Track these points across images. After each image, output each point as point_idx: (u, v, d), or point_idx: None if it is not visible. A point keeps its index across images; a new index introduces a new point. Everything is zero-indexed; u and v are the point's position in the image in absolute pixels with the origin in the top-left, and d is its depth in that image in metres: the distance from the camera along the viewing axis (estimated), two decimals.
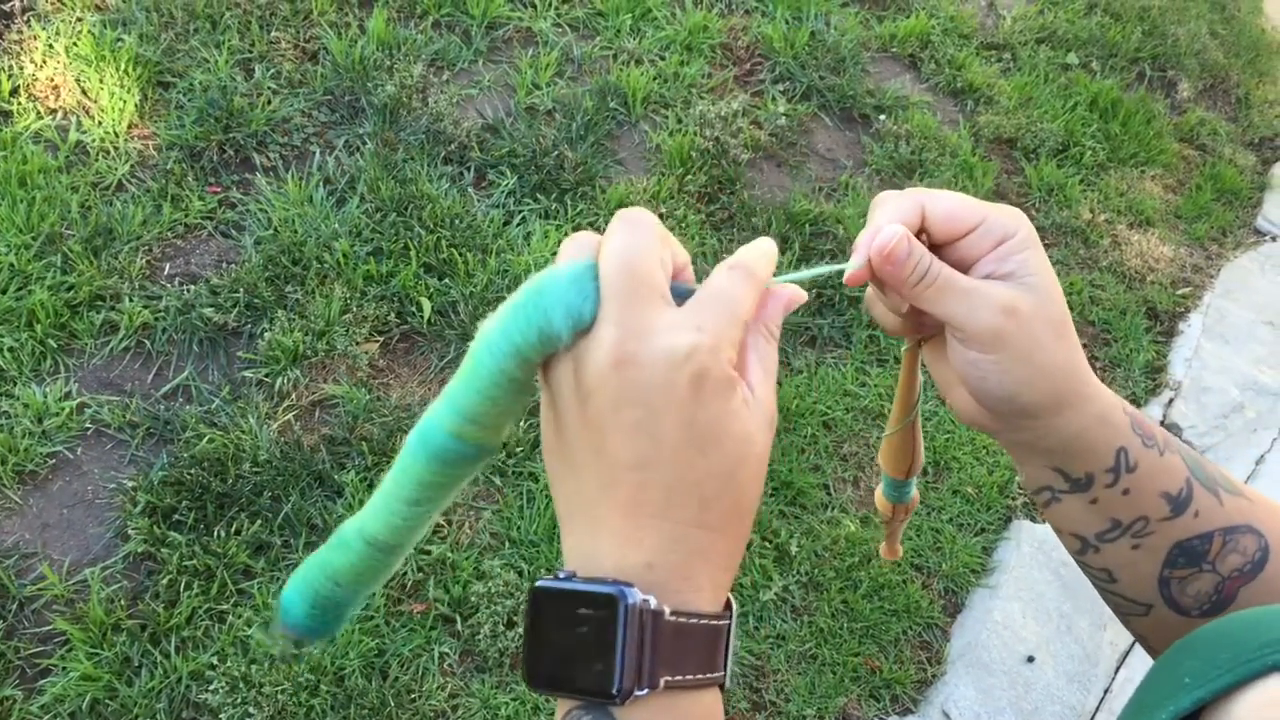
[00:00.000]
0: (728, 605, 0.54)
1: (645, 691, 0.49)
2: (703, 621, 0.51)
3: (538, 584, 0.52)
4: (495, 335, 0.52)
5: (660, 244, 0.53)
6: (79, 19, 3.02)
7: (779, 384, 2.85)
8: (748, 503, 0.53)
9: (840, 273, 0.64)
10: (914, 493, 0.87)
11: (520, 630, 2.20)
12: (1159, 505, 0.63)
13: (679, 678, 0.50)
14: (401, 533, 0.58)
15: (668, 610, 0.49)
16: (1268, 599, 0.62)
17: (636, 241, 0.52)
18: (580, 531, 0.53)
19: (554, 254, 2.81)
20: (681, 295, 0.53)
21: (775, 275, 0.61)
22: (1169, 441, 0.64)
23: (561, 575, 0.52)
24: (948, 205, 0.62)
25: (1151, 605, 0.65)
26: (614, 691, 0.48)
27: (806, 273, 0.66)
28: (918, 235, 0.62)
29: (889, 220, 0.61)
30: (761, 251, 0.57)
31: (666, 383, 0.49)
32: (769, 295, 0.57)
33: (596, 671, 0.49)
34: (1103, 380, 2.81)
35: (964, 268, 0.61)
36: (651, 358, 0.49)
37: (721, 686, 0.54)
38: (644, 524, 0.51)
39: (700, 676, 0.51)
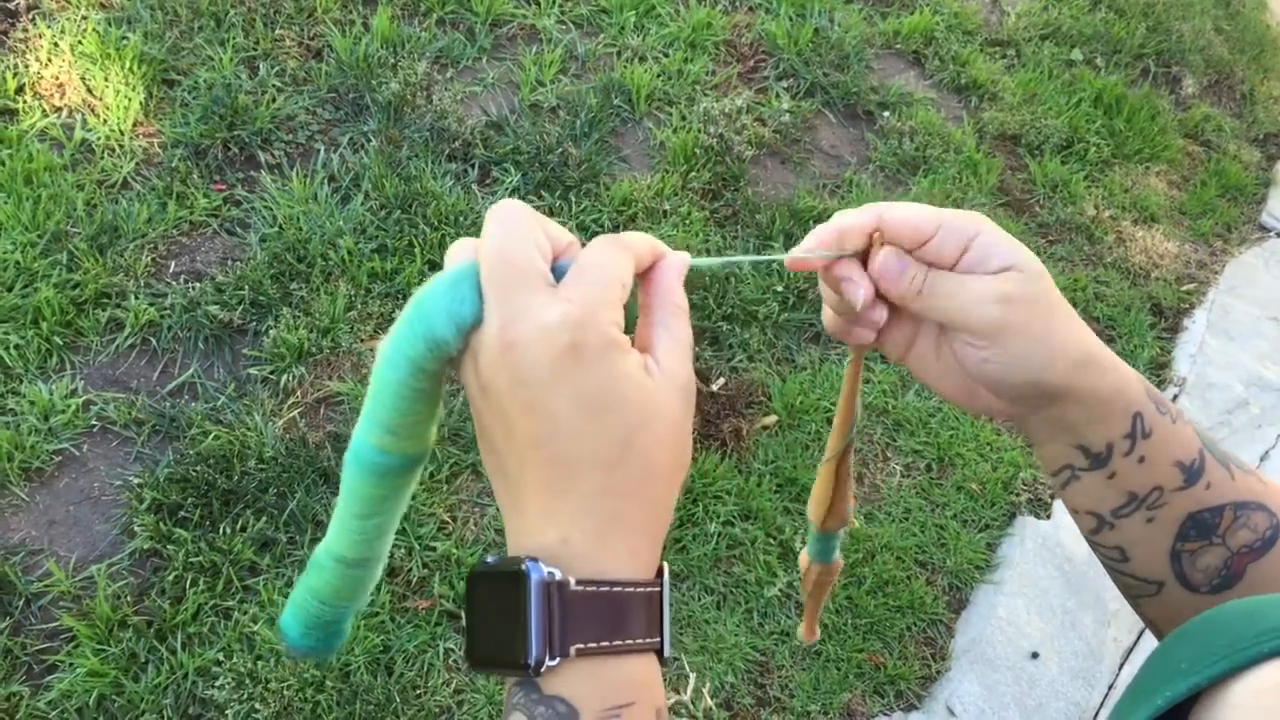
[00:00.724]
0: (659, 573, 0.55)
1: (557, 661, 0.50)
2: (615, 589, 0.51)
3: (470, 570, 0.55)
4: (390, 351, 0.54)
5: (532, 231, 0.54)
6: (84, 17, 3.03)
7: (782, 380, 2.85)
8: (659, 465, 0.53)
9: (773, 261, 0.67)
10: (838, 555, 0.85)
11: None
12: (1173, 474, 0.64)
13: (592, 645, 0.51)
14: (363, 546, 0.61)
15: (573, 580, 0.50)
16: (1277, 578, 0.63)
17: (508, 233, 0.53)
18: (511, 515, 0.55)
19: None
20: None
21: (717, 259, 0.67)
22: (1181, 413, 0.65)
23: (489, 560, 0.54)
24: (903, 213, 0.64)
25: (1162, 583, 0.66)
26: (528, 663, 0.50)
27: (743, 258, 0.70)
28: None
29: (846, 218, 0.65)
30: (643, 237, 0.58)
31: (547, 357, 0.50)
32: (660, 268, 0.58)
33: (515, 646, 0.51)
34: None
35: None
36: (529, 336, 0.51)
37: (659, 654, 0.54)
38: (557, 498, 0.52)
39: (620, 643, 0.52)
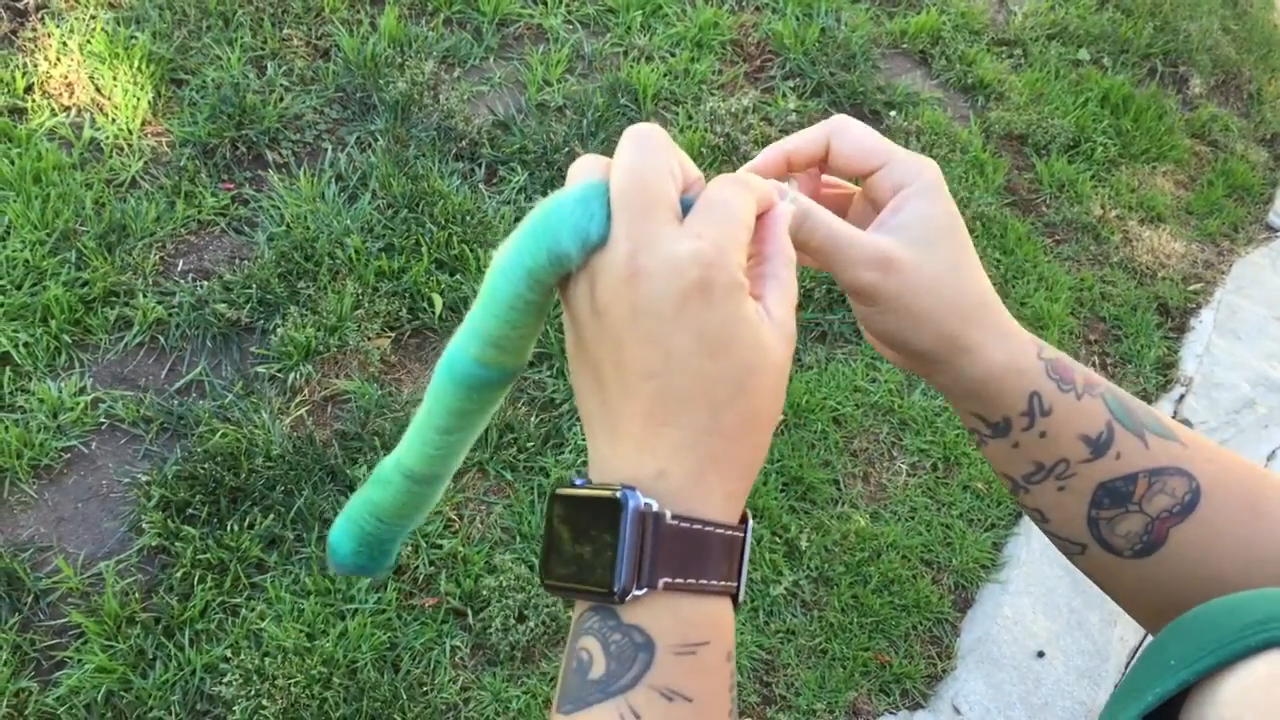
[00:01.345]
0: (744, 519, 0.55)
1: (644, 591, 0.50)
2: (707, 528, 0.52)
3: (556, 489, 0.54)
4: (508, 260, 0.53)
5: (669, 158, 0.53)
6: (92, 17, 3.04)
7: (789, 379, 2.86)
8: (762, 412, 0.53)
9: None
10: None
11: (532, 625, 2.21)
12: (1078, 448, 0.64)
13: (679, 580, 0.51)
14: (436, 462, 0.60)
15: (669, 514, 0.50)
16: (1202, 541, 0.63)
17: (645, 157, 0.53)
18: (601, 441, 0.54)
19: None
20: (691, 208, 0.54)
21: None
22: (1091, 386, 0.65)
23: (578, 482, 0.54)
24: (855, 137, 0.64)
25: (1085, 545, 0.67)
26: (614, 590, 0.50)
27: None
28: (822, 163, 0.66)
29: (795, 140, 0.65)
30: (754, 175, 0.58)
31: (674, 291, 0.50)
32: (774, 216, 0.57)
33: (600, 571, 0.50)
34: (1113, 376, 2.79)
35: (875, 210, 0.65)
36: (660, 268, 0.50)
37: (734, 599, 0.55)
38: (659, 431, 0.51)
39: (703, 582, 0.52)
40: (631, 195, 0.52)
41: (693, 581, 0.51)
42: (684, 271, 0.50)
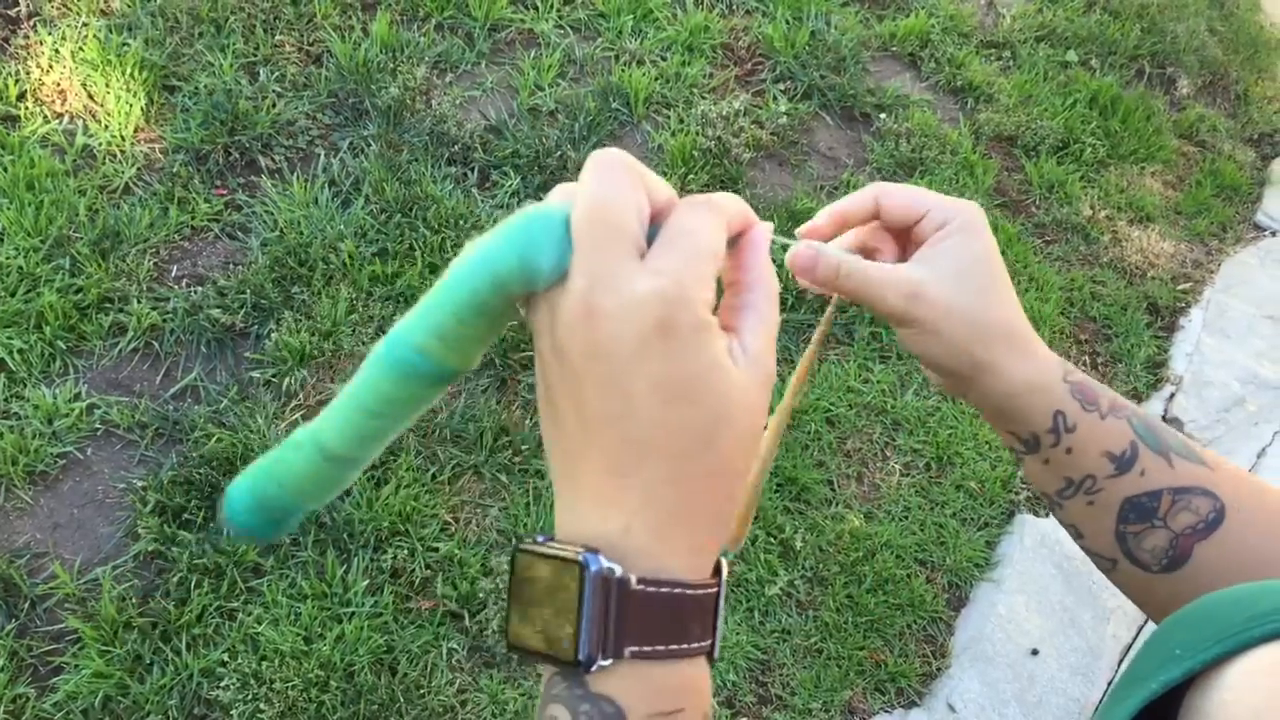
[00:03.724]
0: (717, 570, 0.52)
1: (609, 662, 0.47)
2: (676, 590, 0.49)
3: (518, 544, 0.51)
4: (476, 256, 0.51)
5: (634, 188, 0.50)
6: (85, 24, 3.04)
7: (782, 381, 2.87)
8: (733, 462, 0.50)
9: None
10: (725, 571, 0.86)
11: None
12: (1103, 464, 0.68)
13: (647, 649, 0.48)
14: (354, 444, 0.56)
15: (634, 579, 0.47)
16: (1226, 557, 0.66)
17: (607, 187, 0.49)
18: (565, 493, 0.52)
19: None
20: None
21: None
22: (1117, 409, 0.69)
23: (540, 539, 0.50)
24: (899, 194, 0.70)
25: (1115, 560, 0.71)
26: (579, 660, 0.47)
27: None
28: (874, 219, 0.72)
29: (845, 204, 0.72)
30: (730, 197, 0.55)
31: (632, 333, 0.47)
32: (753, 240, 0.55)
33: (564, 638, 0.48)
34: (1103, 376, 2.80)
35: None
36: (616, 308, 0.47)
37: (709, 656, 0.52)
38: (621, 485, 0.49)
39: (674, 647, 0.49)
40: (590, 228, 0.48)
41: (662, 648, 0.49)
42: (643, 312, 0.47)
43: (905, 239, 0.73)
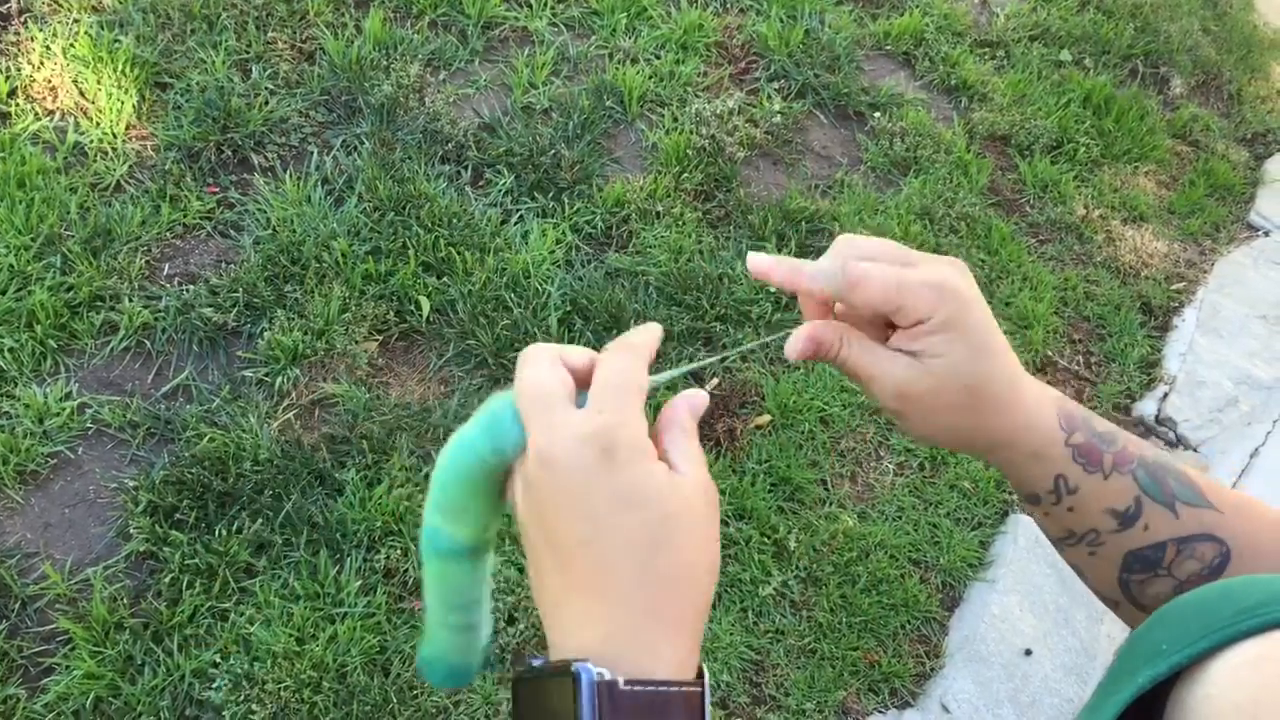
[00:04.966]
0: (700, 674, 0.56)
1: None
2: (662, 689, 0.53)
3: (515, 674, 0.58)
4: (457, 441, 0.62)
5: (553, 365, 0.60)
6: (76, 20, 3.03)
7: (776, 380, 2.86)
8: (695, 564, 0.56)
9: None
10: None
11: (522, 627, 2.21)
12: (1106, 520, 0.68)
13: None
14: (455, 614, 0.67)
15: (621, 680, 0.52)
16: None
17: (532, 371, 0.60)
18: (553, 621, 0.58)
19: (551, 253, 2.80)
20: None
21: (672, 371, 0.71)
22: (1122, 464, 0.68)
23: (535, 662, 0.57)
24: (868, 293, 0.64)
25: (1119, 602, 0.71)
26: None
27: (747, 346, 0.77)
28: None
29: (812, 282, 0.66)
30: (642, 328, 0.64)
31: (584, 465, 0.55)
32: (675, 401, 0.63)
33: None
34: (1097, 376, 2.79)
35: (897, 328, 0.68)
36: (567, 450, 0.55)
37: None
38: (598, 597, 0.55)
39: None
40: (530, 404, 0.58)
41: None
42: (589, 444, 0.55)
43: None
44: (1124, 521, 0.68)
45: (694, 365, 0.80)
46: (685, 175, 3.28)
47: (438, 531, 0.63)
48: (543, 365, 0.60)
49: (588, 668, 0.52)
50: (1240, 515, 0.67)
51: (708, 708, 0.56)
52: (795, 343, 0.68)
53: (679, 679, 0.54)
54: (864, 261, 0.65)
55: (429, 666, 0.69)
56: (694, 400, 0.63)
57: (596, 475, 0.55)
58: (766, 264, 0.69)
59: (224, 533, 2.20)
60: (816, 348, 0.68)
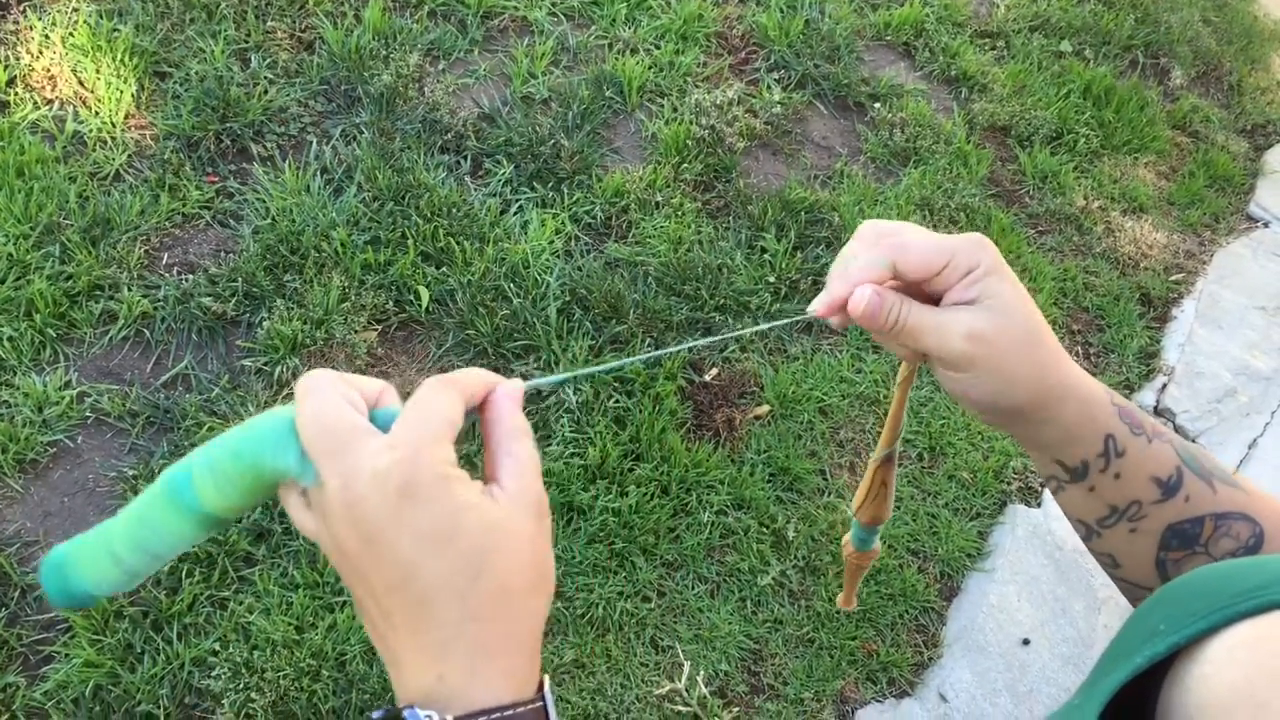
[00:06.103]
0: (541, 686, 0.57)
1: None
2: (495, 715, 0.53)
3: None
4: (254, 438, 0.57)
5: (340, 394, 0.57)
6: (75, 9, 3.02)
7: (775, 371, 2.86)
8: (516, 588, 0.55)
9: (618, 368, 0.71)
10: (877, 544, 0.95)
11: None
12: (1150, 489, 0.68)
13: None
14: (133, 552, 0.60)
15: (450, 718, 0.52)
16: None
17: (318, 401, 0.56)
18: (390, 665, 0.57)
19: (550, 243, 2.80)
20: (389, 419, 0.57)
21: (556, 377, 0.67)
22: (1160, 433, 0.69)
23: (375, 715, 0.55)
24: (918, 254, 0.67)
25: (1153, 589, 0.70)
26: None
27: (775, 323, 0.76)
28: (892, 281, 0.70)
29: (863, 272, 0.69)
30: (476, 372, 0.61)
31: (386, 504, 0.53)
32: (494, 398, 0.61)
33: None
34: (1096, 366, 2.80)
35: (937, 297, 0.69)
36: (367, 489, 0.53)
37: None
38: (424, 639, 0.54)
39: None
40: (320, 440, 0.55)
41: None
42: (387, 481, 0.53)
43: (917, 289, 0.72)
44: (1166, 491, 0.68)
45: (594, 369, 0.79)
46: (685, 165, 3.27)
47: (189, 484, 0.58)
48: (326, 392, 0.57)
49: (415, 712, 0.52)
50: (1267, 501, 0.68)
51: (552, 715, 0.56)
52: (860, 298, 0.68)
53: (516, 700, 0.54)
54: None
55: (57, 572, 0.60)
56: (512, 391, 0.62)
57: (400, 514, 0.53)
58: (831, 296, 0.69)
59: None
60: (880, 303, 0.67)
